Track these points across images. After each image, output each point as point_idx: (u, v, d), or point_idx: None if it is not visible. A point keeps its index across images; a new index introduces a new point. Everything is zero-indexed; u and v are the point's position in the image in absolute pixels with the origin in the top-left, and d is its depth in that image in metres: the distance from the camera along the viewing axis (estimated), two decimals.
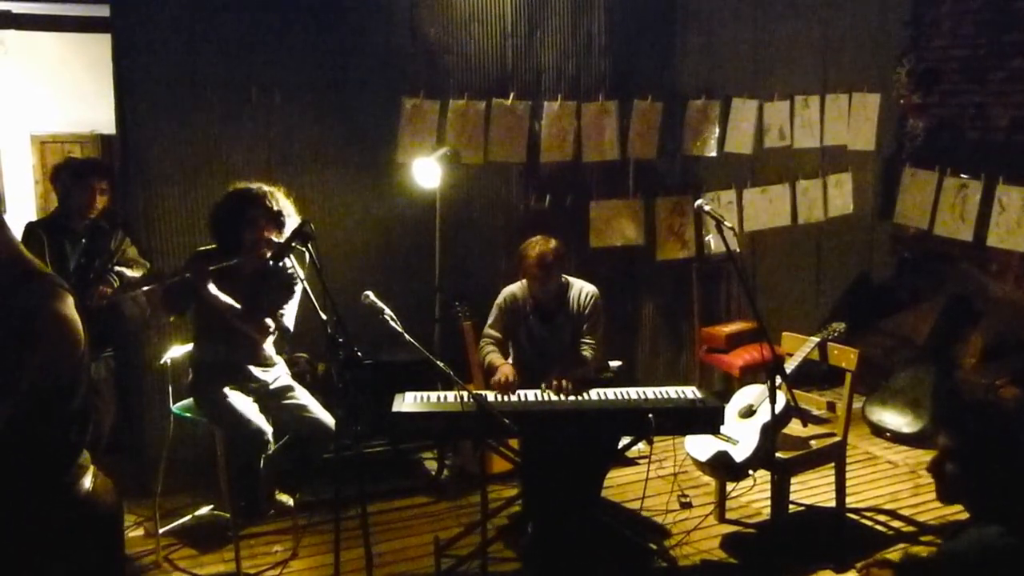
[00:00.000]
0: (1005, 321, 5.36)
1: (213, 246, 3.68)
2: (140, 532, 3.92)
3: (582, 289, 4.03)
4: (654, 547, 3.79)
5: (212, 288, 3.49)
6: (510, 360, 3.98)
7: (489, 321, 4.08)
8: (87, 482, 2.11)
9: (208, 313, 3.60)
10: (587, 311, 3.98)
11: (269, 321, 3.60)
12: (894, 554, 2.40)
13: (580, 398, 3.57)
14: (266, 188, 3.64)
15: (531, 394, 3.65)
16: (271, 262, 3.42)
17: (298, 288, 3.64)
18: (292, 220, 3.63)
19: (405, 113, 4.63)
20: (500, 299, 4.08)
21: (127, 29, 4.09)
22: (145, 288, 3.81)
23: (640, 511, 4.05)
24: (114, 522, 2.25)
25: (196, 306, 3.63)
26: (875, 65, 5.97)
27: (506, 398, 3.60)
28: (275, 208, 3.60)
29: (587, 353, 3.92)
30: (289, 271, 3.60)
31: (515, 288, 4.08)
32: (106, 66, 4.23)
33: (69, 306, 2.01)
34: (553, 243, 3.91)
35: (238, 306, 3.55)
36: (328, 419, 3.64)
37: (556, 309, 4.01)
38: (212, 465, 3.88)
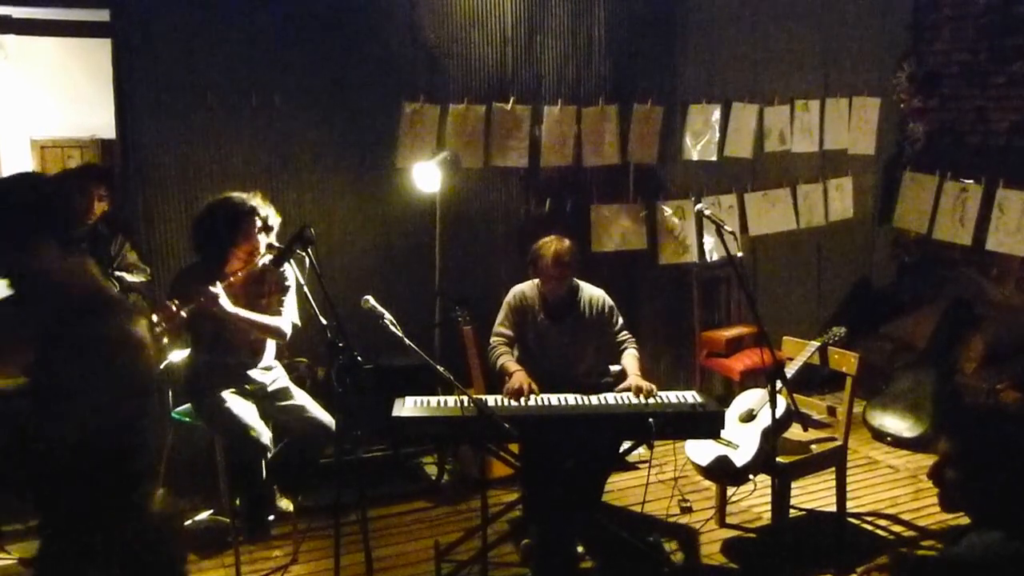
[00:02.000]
0: (1005, 325, 5.34)
1: (195, 261, 3.70)
2: None
3: (592, 293, 4.04)
4: (654, 551, 3.78)
5: (228, 306, 3.48)
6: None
7: (499, 319, 4.06)
8: (156, 498, 2.14)
9: (203, 319, 3.59)
10: (605, 312, 4.01)
11: (280, 322, 3.62)
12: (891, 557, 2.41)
13: (580, 402, 3.56)
14: (249, 202, 3.62)
15: (531, 398, 3.64)
16: (273, 265, 3.43)
17: (291, 284, 3.66)
18: (276, 220, 3.67)
19: (405, 117, 4.63)
20: (510, 297, 4.08)
21: (127, 33, 4.08)
22: (159, 330, 3.70)
23: (640, 515, 4.04)
24: (177, 537, 2.29)
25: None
26: (875, 69, 5.96)
27: (506, 402, 3.59)
28: (263, 215, 3.63)
29: (632, 348, 4.01)
30: (280, 270, 3.62)
31: (525, 287, 4.08)
32: (106, 71, 4.23)
33: (143, 329, 2.05)
34: (567, 242, 3.94)
35: (257, 317, 3.57)
36: (327, 418, 3.65)
37: (565, 311, 4.01)
38: (212, 470, 3.87)
